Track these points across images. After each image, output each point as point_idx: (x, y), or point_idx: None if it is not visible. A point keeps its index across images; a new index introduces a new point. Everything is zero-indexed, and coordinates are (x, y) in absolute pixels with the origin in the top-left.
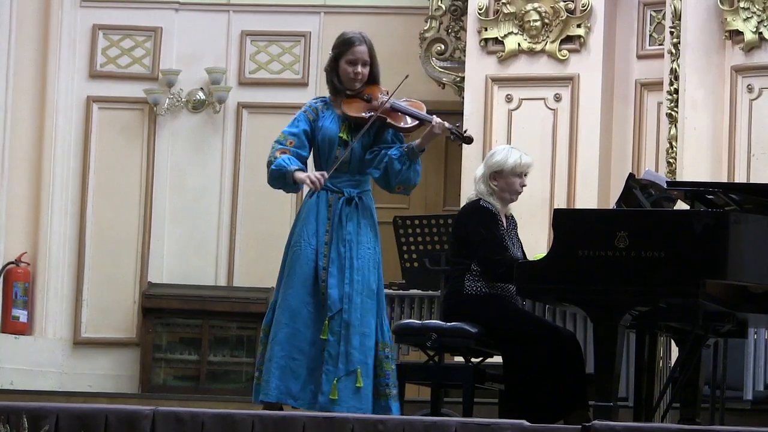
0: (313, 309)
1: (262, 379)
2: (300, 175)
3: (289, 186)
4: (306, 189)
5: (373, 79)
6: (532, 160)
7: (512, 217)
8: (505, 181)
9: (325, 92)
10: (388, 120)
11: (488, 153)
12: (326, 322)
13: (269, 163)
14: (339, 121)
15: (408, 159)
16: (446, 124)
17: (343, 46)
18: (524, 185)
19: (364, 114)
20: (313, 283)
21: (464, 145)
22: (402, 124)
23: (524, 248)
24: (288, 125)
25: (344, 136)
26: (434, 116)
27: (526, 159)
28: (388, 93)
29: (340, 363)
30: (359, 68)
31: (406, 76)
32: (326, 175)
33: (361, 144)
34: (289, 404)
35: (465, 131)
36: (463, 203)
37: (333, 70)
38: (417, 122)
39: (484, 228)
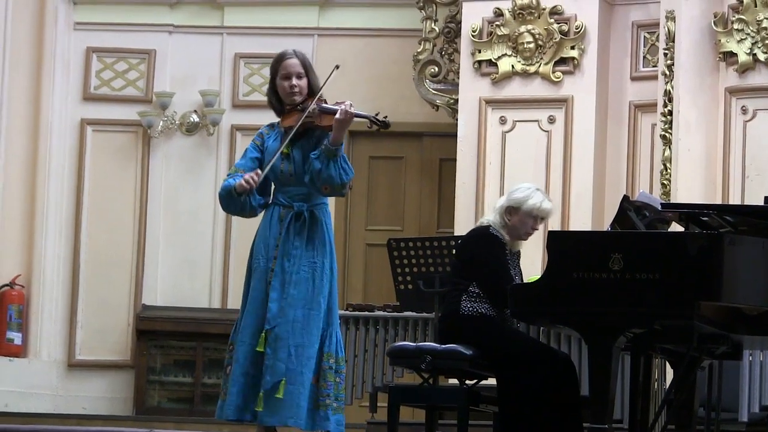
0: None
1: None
2: (237, 183)
3: (238, 203)
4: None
5: (312, 91)
6: (552, 207)
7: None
8: (519, 218)
9: None
10: (315, 122)
11: (514, 186)
12: (263, 335)
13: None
14: (281, 137)
15: (326, 157)
16: (353, 110)
17: (276, 63)
18: (536, 229)
19: (294, 122)
20: (263, 299)
21: (458, 167)
22: (324, 123)
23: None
24: (239, 158)
25: (285, 150)
26: (342, 104)
27: (547, 205)
28: (326, 101)
29: (267, 375)
30: (294, 81)
31: (336, 67)
32: (260, 173)
33: (301, 152)
34: (248, 420)
35: (377, 114)
36: (456, 226)
37: (271, 90)
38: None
39: (493, 257)
